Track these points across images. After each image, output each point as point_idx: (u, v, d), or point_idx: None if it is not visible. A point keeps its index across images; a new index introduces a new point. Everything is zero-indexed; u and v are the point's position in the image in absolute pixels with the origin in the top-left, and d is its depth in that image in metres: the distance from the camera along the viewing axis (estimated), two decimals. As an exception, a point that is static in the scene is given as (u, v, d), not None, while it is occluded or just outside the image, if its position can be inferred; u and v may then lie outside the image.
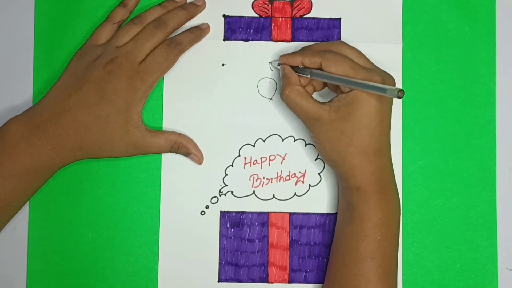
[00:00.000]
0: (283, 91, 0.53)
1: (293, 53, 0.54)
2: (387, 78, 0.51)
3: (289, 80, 0.53)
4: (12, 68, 0.57)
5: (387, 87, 0.47)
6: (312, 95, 0.53)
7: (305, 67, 0.53)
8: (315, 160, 0.57)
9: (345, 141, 0.50)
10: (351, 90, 0.50)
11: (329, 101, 0.52)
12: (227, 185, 0.57)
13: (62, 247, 0.56)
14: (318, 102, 0.52)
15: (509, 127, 0.57)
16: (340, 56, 0.51)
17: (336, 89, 0.54)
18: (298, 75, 0.53)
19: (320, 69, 0.52)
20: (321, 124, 0.51)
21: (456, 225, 0.56)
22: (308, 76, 0.53)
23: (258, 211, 0.57)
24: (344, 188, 0.53)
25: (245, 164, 0.57)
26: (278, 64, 0.55)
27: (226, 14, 0.58)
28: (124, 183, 0.56)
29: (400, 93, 0.46)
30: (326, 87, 0.55)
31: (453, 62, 0.58)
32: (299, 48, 0.55)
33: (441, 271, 0.56)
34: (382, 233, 0.51)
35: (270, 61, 0.57)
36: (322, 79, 0.52)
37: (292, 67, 0.54)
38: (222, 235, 0.56)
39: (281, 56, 0.55)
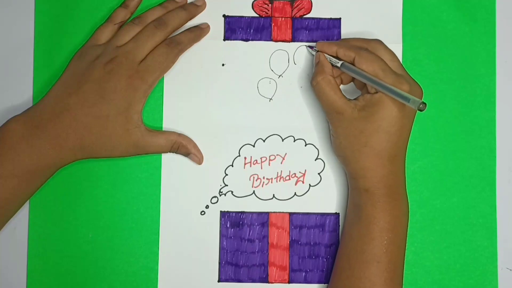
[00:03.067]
0: (315, 77, 0.53)
1: (330, 42, 0.55)
2: (415, 88, 0.51)
3: (323, 68, 0.53)
4: (12, 68, 0.57)
5: (410, 97, 0.47)
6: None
7: (338, 58, 0.53)
8: (315, 160, 0.57)
9: (362, 140, 0.51)
10: (376, 92, 0.51)
11: (355, 99, 0.52)
12: (227, 185, 0.57)
13: (62, 247, 0.56)
14: (345, 97, 0.52)
15: (509, 127, 0.57)
16: (374, 56, 0.52)
17: (362, 87, 0.54)
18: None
19: (352, 64, 0.52)
20: (342, 119, 0.51)
21: (456, 225, 0.56)
22: (338, 66, 0.53)
23: (258, 211, 0.57)
24: (353, 188, 0.53)
25: (245, 164, 0.57)
26: (314, 49, 0.56)
27: (226, 14, 0.58)
28: (124, 183, 0.56)
29: (421, 106, 0.46)
30: (352, 83, 0.56)
31: (453, 62, 0.58)
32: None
33: (441, 271, 0.56)
34: (389, 237, 0.51)
35: (307, 45, 0.57)
36: (350, 73, 0.52)
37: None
38: (222, 235, 0.56)
39: (318, 43, 0.55)
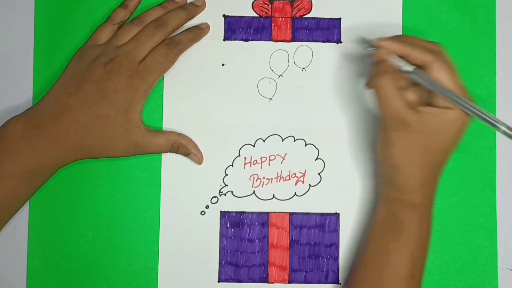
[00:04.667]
0: (377, 77, 0.46)
1: (397, 39, 0.48)
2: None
3: (388, 68, 0.47)
4: (12, 68, 0.57)
5: (502, 122, 0.44)
6: None
7: (407, 63, 0.47)
8: (315, 160, 0.57)
9: (425, 156, 0.47)
10: (447, 107, 0.46)
11: (419, 109, 0.47)
12: (227, 185, 0.57)
13: (62, 247, 0.56)
14: (410, 105, 0.47)
15: (509, 127, 0.58)
16: (452, 64, 0.46)
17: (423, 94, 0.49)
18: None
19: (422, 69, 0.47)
20: (406, 131, 0.47)
21: (456, 225, 0.56)
22: (411, 73, 0.46)
23: (258, 211, 0.57)
24: (393, 201, 0.50)
25: (245, 164, 0.57)
26: (370, 47, 0.50)
27: (226, 14, 0.58)
28: (124, 183, 0.56)
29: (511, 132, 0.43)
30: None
31: (453, 62, 0.58)
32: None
33: (441, 271, 0.56)
34: (423, 253, 0.50)
35: (360, 38, 0.52)
36: (425, 84, 0.46)
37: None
38: (222, 235, 0.56)
39: (379, 39, 0.49)
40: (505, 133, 0.44)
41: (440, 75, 0.47)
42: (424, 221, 0.50)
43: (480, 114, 0.45)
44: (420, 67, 0.47)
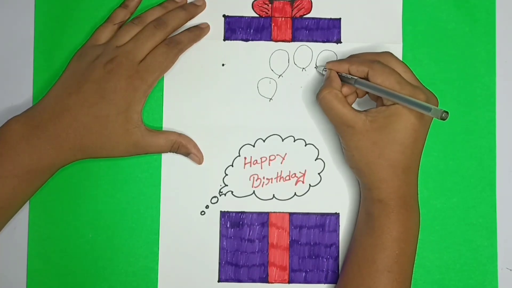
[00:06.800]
0: (321, 92, 0.52)
1: (340, 60, 0.54)
2: (431, 98, 0.51)
3: (330, 83, 0.53)
4: (12, 68, 0.57)
5: (432, 106, 0.47)
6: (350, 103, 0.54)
7: (351, 76, 0.53)
8: (315, 160, 0.57)
9: (376, 152, 0.50)
10: (392, 104, 0.50)
11: (365, 110, 0.52)
12: (227, 185, 0.57)
13: (62, 247, 0.56)
14: (354, 109, 0.52)
15: (509, 127, 0.57)
16: (388, 69, 0.51)
17: (377, 99, 0.54)
18: (343, 83, 0.53)
19: (366, 78, 0.52)
20: (353, 132, 0.51)
21: (456, 225, 0.56)
22: (353, 83, 0.52)
23: (258, 211, 0.57)
24: (366, 198, 0.53)
25: (245, 164, 0.57)
26: (324, 69, 0.55)
27: (226, 14, 0.58)
28: (124, 183, 0.56)
29: (444, 115, 0.46)
30: (367, 95, 0.55)
31: (453, 62, 0.58)
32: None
33: (441, 271, 0.56)
34: (401, 248, 0.51)
35: (316, 66, 0.57)
36: (366, 89, 0.52)
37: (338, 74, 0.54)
38: (222, 235, 0.56)
39: (328, 62, 0.55)
40: (439, 117, 0.46)
41: (375, 79, 0.51)
42: (394, 215, 0.51)
43: (414, 102, 0.48)
44: (364, 78, 0.52)
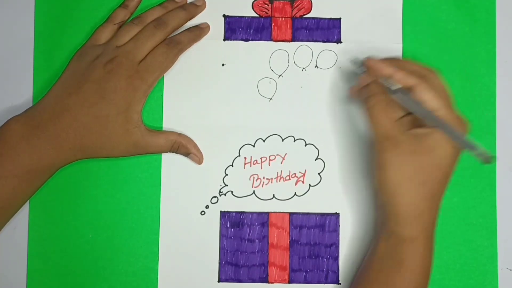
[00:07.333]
0: (367, 98, 0.47)
1: (384, 61, 0.49)
2: (467, 125, 0.48)
3: (377, 88, 0.48)
4: (12, 68, 0.57)
5: (480, 147, 0.43)
6: None
7: (394, 83, 0.48)
8: (315, 160, 0.57)
9: (420, 179, 0.46)
10: (432, 127, 0.46)
11: (411, 129, 0.47)
12: (227, 185, 0.57)
13: (62, 247, 0.56)
14: (400, 125, 0.47)
15: (509, 127, 0.57)
16: (440, 88, 0.47)
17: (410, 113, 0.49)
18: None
19: (408, 91, 0.47)
20: (397, 150, 0.46)
21: (456, 225, 0.56)
22: (392, 94, 0.47)
23: (258, 211, 0.57)
24: (392, 234, 0.48)
25: (245, 164, 0.57)
26: (362, 68, 0.52)
27: (226, 14, 0.58)
28: (124, 183, 0.56)
29: (490, 159, 0.42)
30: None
31: (453, 62, 0.58)
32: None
33: (441, 271, 0.56)
34: (427, 281, 0.49)
35: (351, 60, 0.53)
36: (406, 105, 0.47)
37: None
38: (222, 235, 0.56)
39: (370, 60, 0.50)
40: (482, 158, 0.43)
41: (422, 97, 0.47)
42: (426, 253, 0.49)
43: (456, 136, 0.45)
44: (406, 89, 0.48)
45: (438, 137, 0.46)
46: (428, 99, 0.47)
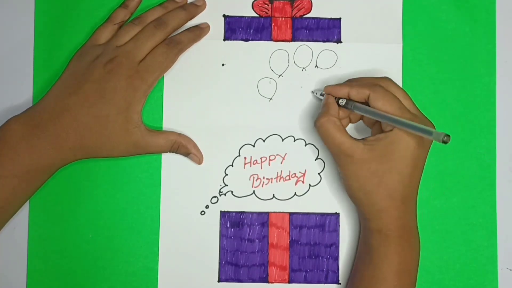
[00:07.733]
0: (319, 119, 0.51)
1: (339, 84, 0.53)
2: (429, 125, 0.51)
3: (329, 110, 0.52)
4: (12, 68, 0.57)
5: (433, 130, 0.46)
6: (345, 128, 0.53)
7: (349, 100, 0.52)
8: (315, 160, 0.57)
9: (374, 182, 0.50)
10: (390, 130, 0.49)
11: (363, 139, 0.51)
12: (227, 185, 0.57)
13: (62, 247, 0.56)
14: (352, 138, 0.51)
15: (509, 127, 0.57)
16: (390, 94, 0.50)
17: (373, 125, 0.53)
18: (339, 107, 0.53)
19: (364, 103, 0.51)
20: (352, 161, 0.50)
21: (456, 225, 0.56)
22: (351, 108, 0.51)
23: (258, 211, 0.57)
24: (365, 228, 0.53)
25: (245, 164, 0.57)
26: (321, 94, 0.55)
27: (226, 14, 0.58)
28: (124, 183, 0.56)
29: (445, 138, 0.45)
30: (361, 121, 0.55)
31: (453, 62, 0.58)
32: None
33: (441, 271, 0.56)
34: (400, 279, 0.50)
35: (313, 90, 0.57)
36: (365, 114, 0.51)
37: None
38: (222, 235, 0.56)
39: (326, 86, 0.54)
40: (439, 139, 0.46)
41: (376, 103, 0.50)
42: (394, 246, 0.50)
43: (415, 126, 0.47)
44: (364, 102, 0.51)
45: (388, 142, 0.49)
46: (381, 104, 0.50)
